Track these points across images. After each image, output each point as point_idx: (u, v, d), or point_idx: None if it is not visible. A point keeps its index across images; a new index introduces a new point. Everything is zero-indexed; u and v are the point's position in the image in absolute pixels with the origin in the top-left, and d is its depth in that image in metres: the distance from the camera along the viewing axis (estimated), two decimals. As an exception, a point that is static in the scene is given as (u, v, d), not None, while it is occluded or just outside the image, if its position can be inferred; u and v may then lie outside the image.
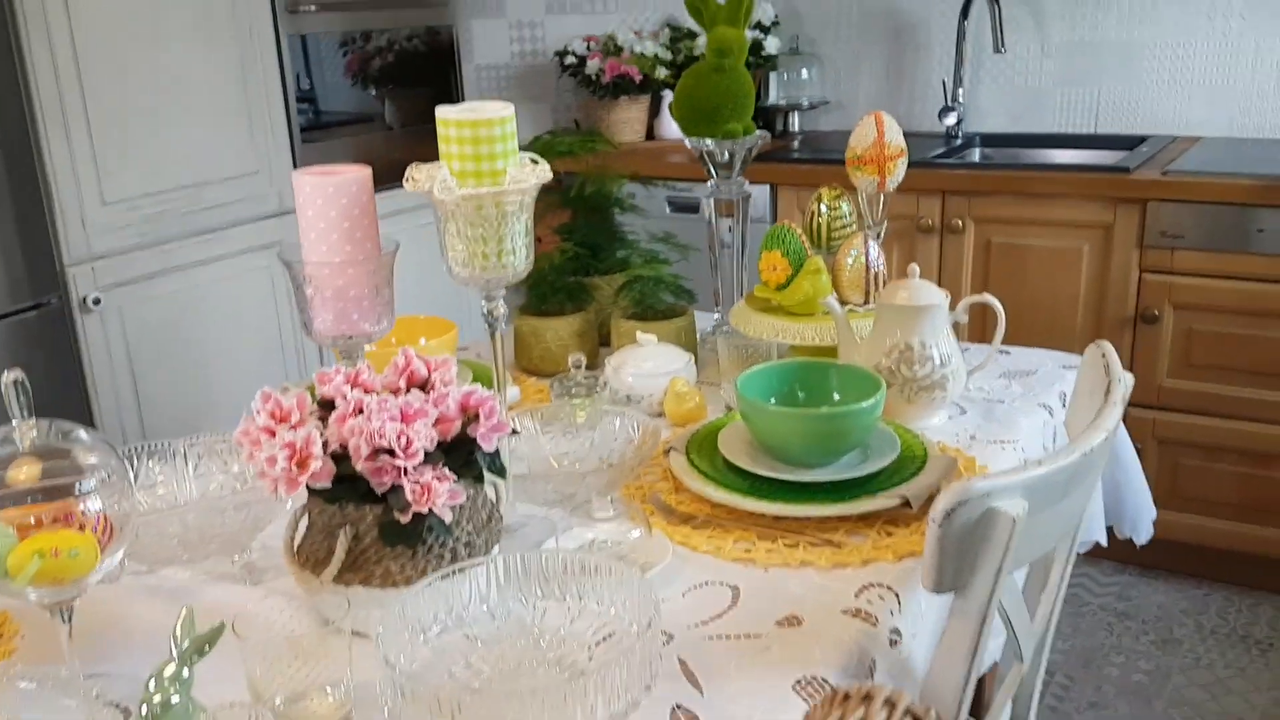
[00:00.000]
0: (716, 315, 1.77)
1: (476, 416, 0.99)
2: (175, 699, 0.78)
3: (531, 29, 3.27)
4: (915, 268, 1.42)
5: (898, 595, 1.04)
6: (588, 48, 3.17)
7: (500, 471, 1.02)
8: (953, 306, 1.43)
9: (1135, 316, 2.52)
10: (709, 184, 1.72)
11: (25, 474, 0.84)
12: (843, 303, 1.56)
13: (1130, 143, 2.89)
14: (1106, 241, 2.53)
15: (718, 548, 1.13)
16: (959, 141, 3.06)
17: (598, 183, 1.70)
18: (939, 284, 2.73)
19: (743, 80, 1.63)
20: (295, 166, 2.74)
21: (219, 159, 2.54)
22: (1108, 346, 1.17)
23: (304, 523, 1.02)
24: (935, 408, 1.40)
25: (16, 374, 0.85)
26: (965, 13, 3.02)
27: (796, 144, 3.21)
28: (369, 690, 0.88)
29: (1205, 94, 2.90)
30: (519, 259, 1.06)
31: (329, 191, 1.02)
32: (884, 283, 1.55)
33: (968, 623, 0.93)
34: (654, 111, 3.18)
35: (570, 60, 3.18)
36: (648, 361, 1.47)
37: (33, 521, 0.83)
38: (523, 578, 0.99)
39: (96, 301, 2.31)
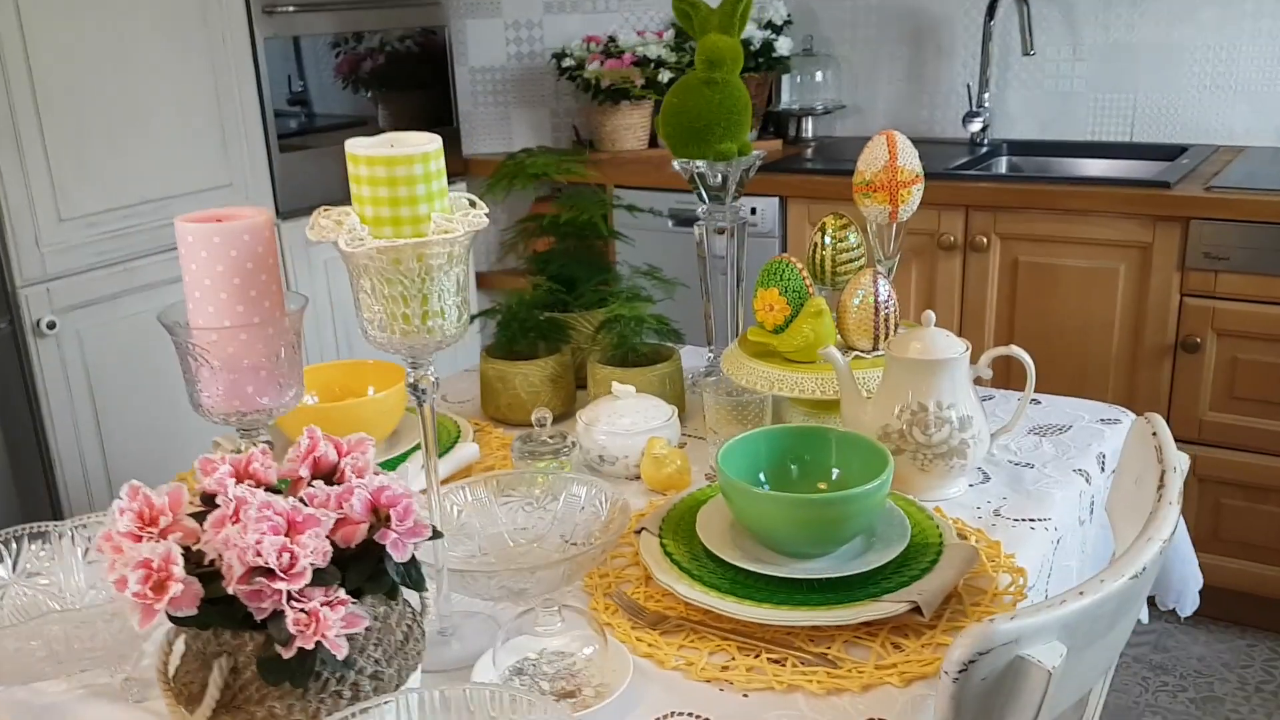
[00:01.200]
0: (709, 354, 1.59)
1: (388, 519, 0.82)
2: None
3: (529, 29, 3.09)
4: (930, 314, 1.23)
5: (904, 734, 0.86)
6: (588, 49, 2.99)
7: (417, 584, 0.84)
8: (974, 359, 1.24)
9: (1175, 344, 2.32)
10: (700, 209, 1.53)
11: None
12: (848, 348, 1.37)
13: (1169, 153, 2.68)
14: (1144, 262, 2.32)
15: (689, 663, 0.95)
16: (984, 149, 2.86)
17: (577, 208, 1.52)
18: (961, 308, 2.54)
19: (737, 94, 1.45)
20: (273, 177, 2.58)
21: (188, 171, 2.38)
22: (1159, 424, 0.97)
23: (180, 643, 0.84)
24: (953, 477, 1.21)
25: None
26: (991, 12, 2.82)
27: (809, 152, 3.02)
28: None
29: (1249, 101, 2.68)
30: (449, 321, 0.88)
31: (214, 243, 0.85)
32: (895, 325, 1.37)
33: (989, 790, 0.75)
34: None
35: (569, 62, 2.99)
36: (624, 417, 1.28)
37: None
38: (443, 715, 0.81)
39: (51, 325, 2.15)
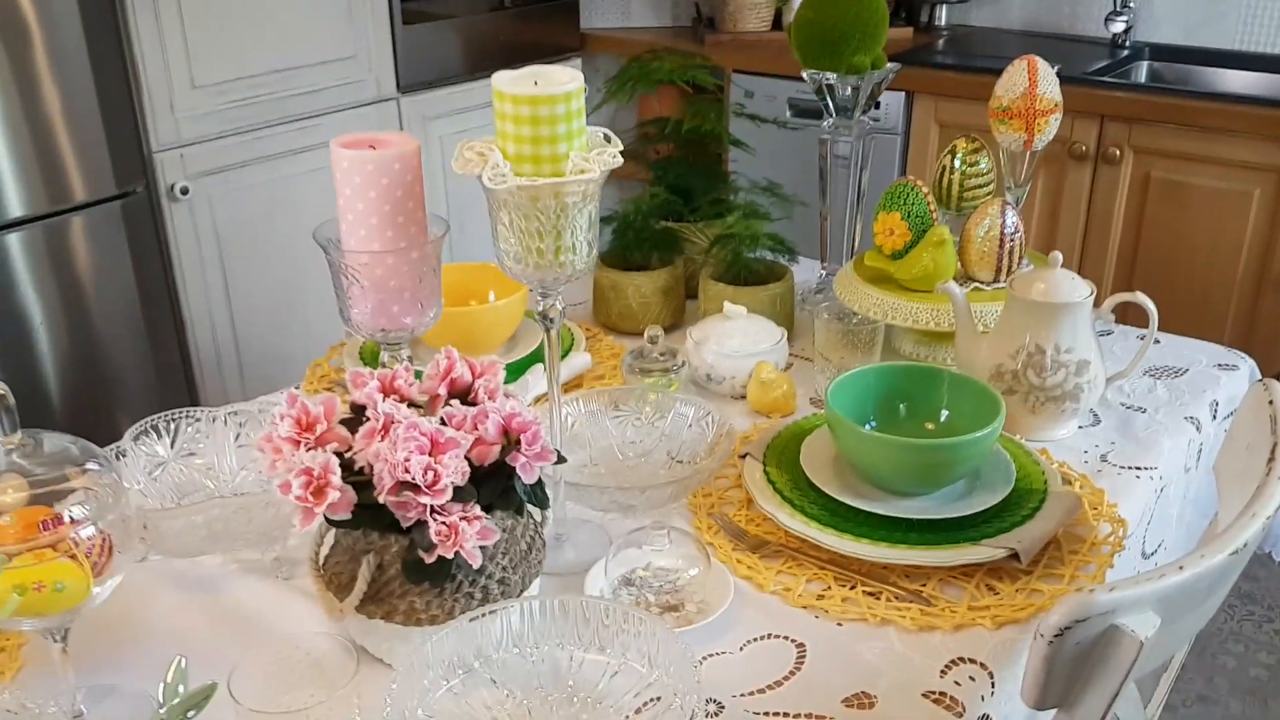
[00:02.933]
0: (822, 270, 1.60)
1: (518, 442, 0.87)
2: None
3: (655, -99, 3.00)
4: (1058, 255, 1.22)
5: (992, 676, 0.90)
6: (715, -77, 2.90)
7: (542, 503, 0.90)
8: (1096, 289, 1.22)
9: (1306, 275, 2.23)
10: (825, 123, 1.51)
11: (11, 499, 0.76)
12: (968, 278, 1.37)
13: (1326, 68, 2.52)
14: (1283, 187, 2.22)
15: (787, 589, 1.00)
16: (1125, 53, 2.71)
17: (698, 116, 1.51)
18: (1086, 221, 2.47)
19: (876, 5, 1.41)
20: (395, 51, 2.59)
21: (314, 41, 2.41)
22: (1277, 391, 0.96)
23: (331, 537, 0.92)
24: (1064, 420, 1.22)
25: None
26: (1149, -98, 2.64)
27: (941, 43, 2.91)
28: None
29: None
30: (580, 256, 0.92)
31: (368, 170, 0.89)
32: (1020, 258, 1.35)
33: (1071, 743, 0.79)
34: (782, -1, 2.90)
35: (694, -61, 2.91)
36: (732, 339, 1.31)
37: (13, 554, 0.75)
38: (561, 621, 0.88)
39: (184, 191, 2.24)
